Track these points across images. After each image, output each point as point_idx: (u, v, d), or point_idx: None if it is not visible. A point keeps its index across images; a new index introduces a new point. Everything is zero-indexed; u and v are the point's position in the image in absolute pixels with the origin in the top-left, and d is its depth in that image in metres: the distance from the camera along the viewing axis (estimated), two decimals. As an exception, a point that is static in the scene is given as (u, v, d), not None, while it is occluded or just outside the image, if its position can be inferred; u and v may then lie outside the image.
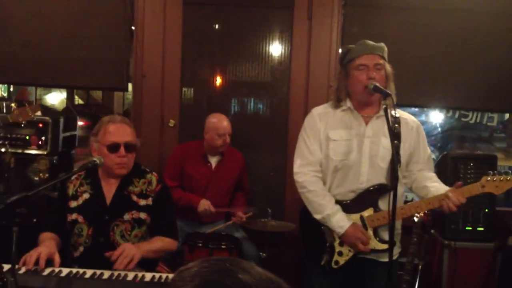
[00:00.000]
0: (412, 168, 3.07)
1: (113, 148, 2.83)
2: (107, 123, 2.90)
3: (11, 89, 6.61)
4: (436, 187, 2.94)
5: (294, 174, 3.06)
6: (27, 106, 3.77)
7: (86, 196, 2.92)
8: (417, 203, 2.94)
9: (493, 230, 4.17)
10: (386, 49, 2.97)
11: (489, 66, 4.46)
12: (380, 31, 4.39)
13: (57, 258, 2.60)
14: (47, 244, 2.69)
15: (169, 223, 3.01)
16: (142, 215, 2.90)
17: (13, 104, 3.71)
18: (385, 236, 2.94)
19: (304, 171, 3.01)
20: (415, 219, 3.34)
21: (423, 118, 5.58)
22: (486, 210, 4.12)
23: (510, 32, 4.46)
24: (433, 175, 3.08)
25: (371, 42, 2.95)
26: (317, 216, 2.95)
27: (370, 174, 2.94)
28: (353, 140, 2.94)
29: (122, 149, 2.82)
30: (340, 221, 2.89)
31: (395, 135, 2.63)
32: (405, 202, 3.17)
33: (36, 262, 2.53)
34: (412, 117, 3.11)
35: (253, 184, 4.51)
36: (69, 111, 5.75)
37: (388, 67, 2.94)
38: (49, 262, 2.58)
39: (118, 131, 2.86)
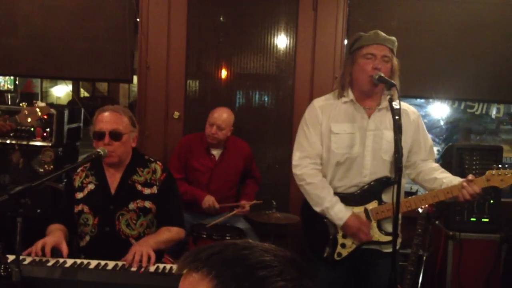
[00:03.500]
0: (414, 159, 3.04)
1: (99, 136, 2.83)
2: (99, 112, 2.91)
3: (17, 81, 6.63)
4: (448, 178, 2.90)
5: (293, 166, 3.03)
6: (36, 106, 3.60)
7: (91, 186, 2.93)
8: (433, 193, 2.86)
9: (498, 221, 4.16)
10: (396, 43, 2.92)
11: (496, 57, 4.44)
12: (386, 21, 4.37)
13: (64, 248, 2.60)
14: (54, 234, 2.70)
15: (175, 211, 3.01)
16: (147, 204, 2.90)
17: (22, 104, 3.57)
18: (389, 228, 2.93)
19: (303, 164, 2.98)
20: (420, 210, 3.34)
21: (428, 109, 5.56)
22: (491, 201, 4.10)
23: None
24: (437, 165, 3.05)
25: (383, 34, 2.90)
26: (317, 209, 2.94)
27: (374, 167, 2.91)
28: (356, 134, 2.91)
29: (106, 137, 2.81)
30: (339, 213, 2.88)
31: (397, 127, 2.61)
32: (409, 193, 3.15)
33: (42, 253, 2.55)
34: (412, 108, 3.08)
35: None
36: (75, 104, 5.75)
37: (395, 61, 2.90)
38: (57, 252, 2.59)
39: (105, 119, 2.85)
